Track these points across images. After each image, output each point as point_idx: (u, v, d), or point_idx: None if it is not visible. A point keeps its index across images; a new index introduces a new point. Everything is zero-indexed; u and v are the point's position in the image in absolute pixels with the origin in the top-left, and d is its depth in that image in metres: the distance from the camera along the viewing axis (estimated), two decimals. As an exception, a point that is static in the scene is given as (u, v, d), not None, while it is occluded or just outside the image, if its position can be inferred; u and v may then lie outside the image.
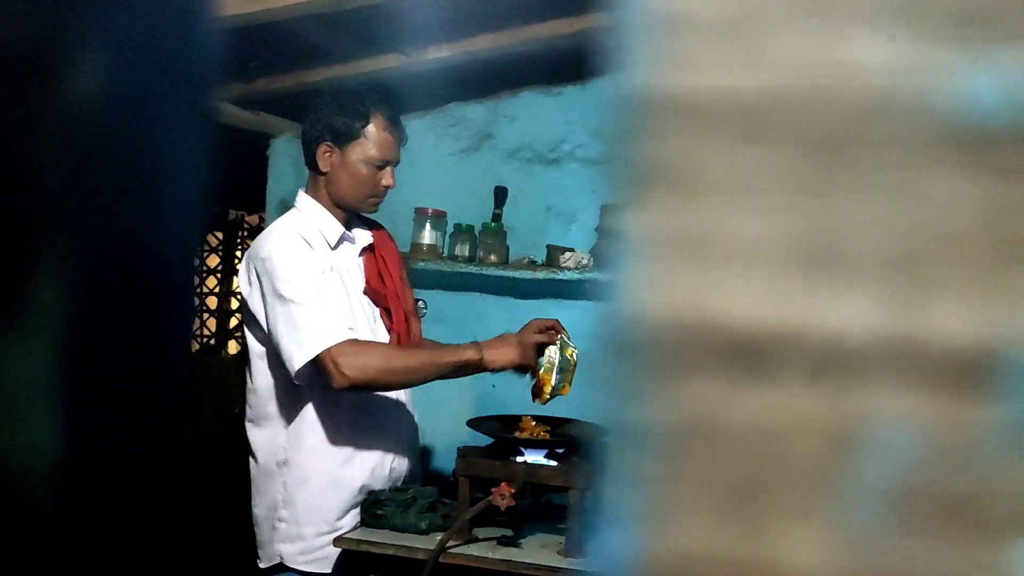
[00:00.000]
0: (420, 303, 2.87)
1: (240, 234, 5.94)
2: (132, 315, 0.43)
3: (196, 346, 5.83)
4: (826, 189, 0.30)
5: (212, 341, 5.94)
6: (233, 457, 3.84)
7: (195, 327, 5.82)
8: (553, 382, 2.50)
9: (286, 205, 3.85)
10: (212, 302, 6.01)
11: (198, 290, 5.92)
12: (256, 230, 5.68)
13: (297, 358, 2.31)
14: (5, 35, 0.36)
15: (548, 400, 2.54)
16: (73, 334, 0.39)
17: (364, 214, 2.65)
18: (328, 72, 3.43)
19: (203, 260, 5.97)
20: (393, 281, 2.64)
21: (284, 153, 3.90)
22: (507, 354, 2.41)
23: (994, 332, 0.30)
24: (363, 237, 2.63)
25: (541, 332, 2.53)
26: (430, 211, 3.61)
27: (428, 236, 3.61)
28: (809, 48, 0.30)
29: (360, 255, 2.62)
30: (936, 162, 0.30)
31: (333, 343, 2.28)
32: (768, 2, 0.29)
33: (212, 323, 5.99)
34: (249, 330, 2.54)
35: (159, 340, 0.46)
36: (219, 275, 5.98)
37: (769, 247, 0.30)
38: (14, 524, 0.39)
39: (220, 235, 5.91)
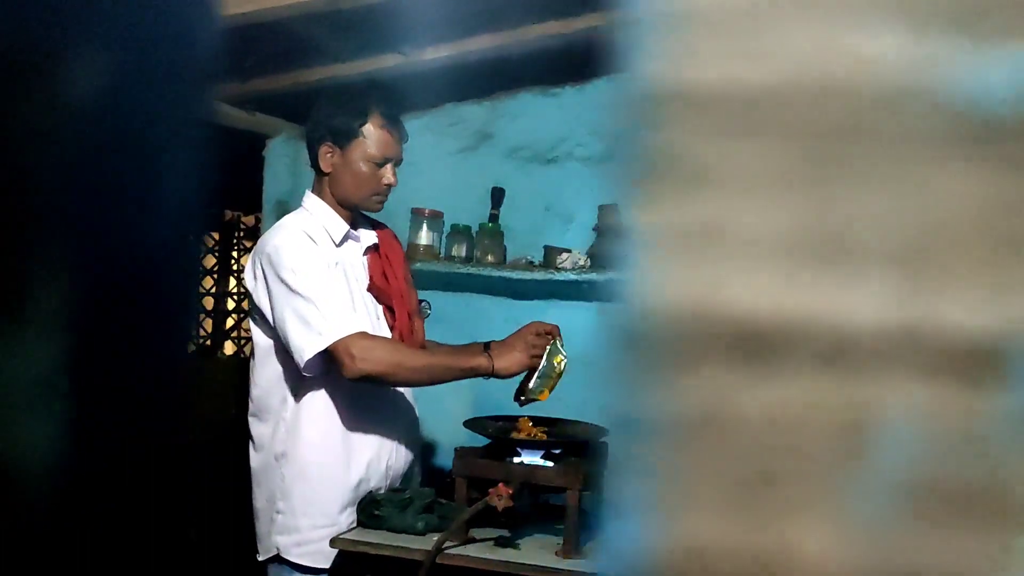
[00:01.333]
0: (424, 303, 2.90)
1: (236, 235, 5.93)
2: (132, 316, 0.43)
3: (192, 347, 5.80)
4: (833, 181, 0.30)
5: (208, 342, 5.93)
6: (232, 458, 3.84)
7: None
8: (531, 385, 2.51)
9: (282, 205, 3.85)
10: (208, 303, 6.00)
11: (194, 290, 5.90)
12: (252, 230, 5.67)
13: (308, 349, 2.34)
14: (5, 39, 0.36)
15: (525, 403, 2.56)
16: (74, 335, 0.39)
17: (368, 213, 2.68)
18: (325, 72, 3.42)
19: (199, 260, 5.95)
20: (397, 280, 2.68)
21: (280, 153, 3.89)
22: (517, 361, 2.45)
23: (1002, 323, 0.30)
24: (368, 236, 2.67)
25: (539, 335, 2.56)
26: (427, 211, 3.61)
27: (425, 236, 3.60)
28: (815, 41, 0.30)
29: (365, 254, 2.65)
30: (943, 155, 0.30)
31: (346, 334, 2.32)
32: (774, -6, 0.29)
33: (208, 324, 5.98)
34: (254, 324, 2.57)
35: (158, 340, 0.45)
36: (215, 275, 5.97)
37: (777, 239, 0.30)
38: (14, 521, 0.39)
39: (216, 235, 5.90)
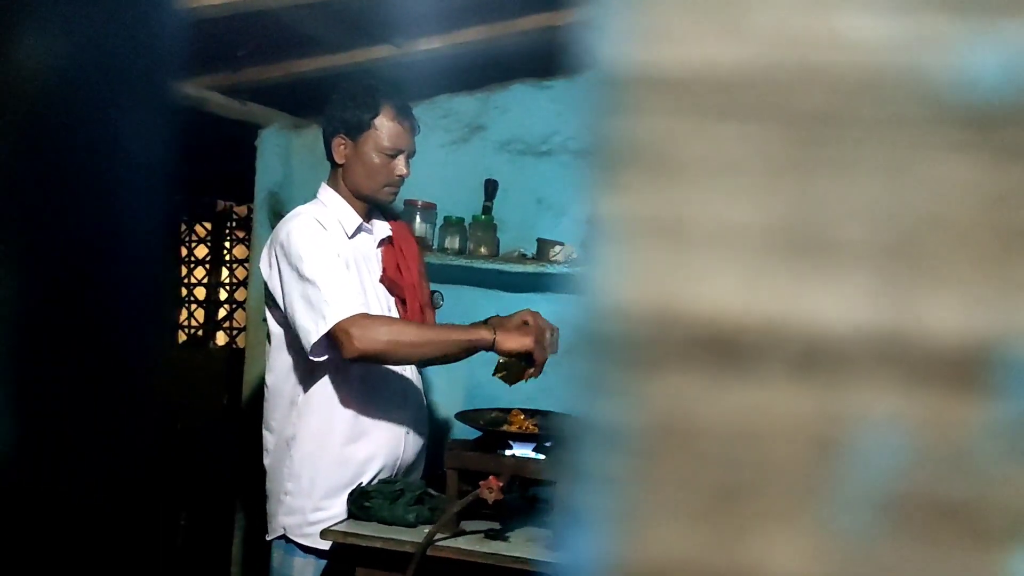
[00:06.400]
0: (436, 294, 2.97)
1: (229, 224, 5.90)
2: (96, 307, 0.41)
3: (184, 337, 5.79)
4: (812, 171, 0.28)
5: (200, 332, 5.91)
6: (225, 445, 3.85)
7: (183, 318, 5.79)
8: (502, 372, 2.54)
9: (275, 196, 3.83)
10: (200, 293, 5.97)
11: (186, 280, 5.88)
12: (245, 221, 5.64)
13: (313, 333, 2.38)
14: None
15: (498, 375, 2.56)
16: (31, 327, 0.37)
17: (383, 205, 2.74)
18: (318, 62, 3.40)
19: (191, 250, 5.92)
20: (411, 273, 2.75)
21: (272, 143, 3.86)
22: (519, 342, 2.45)
23: (992, 326, 0.28)
24: (382, 229, 2.75)
25: (534, 323, 2.61)
26: (420, 203, 3.59)
27: (418, 228, 3.58)
28: (794, 19, 0.28)
29: (379, 246, 2.71)
30: (932, 143, 0.28)
31: (345, 316, 2.34)
32: (750, -32, 0.27)
33: (200, 314, 5.95)
34: (269, 312, 2.65)
35: (125, 334, 0.44)
36: (207, 265, 5.94)
37: (750, 233, 0.28)
38: None
39: (208, 225, 5.87)
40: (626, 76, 0.28)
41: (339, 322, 2.36)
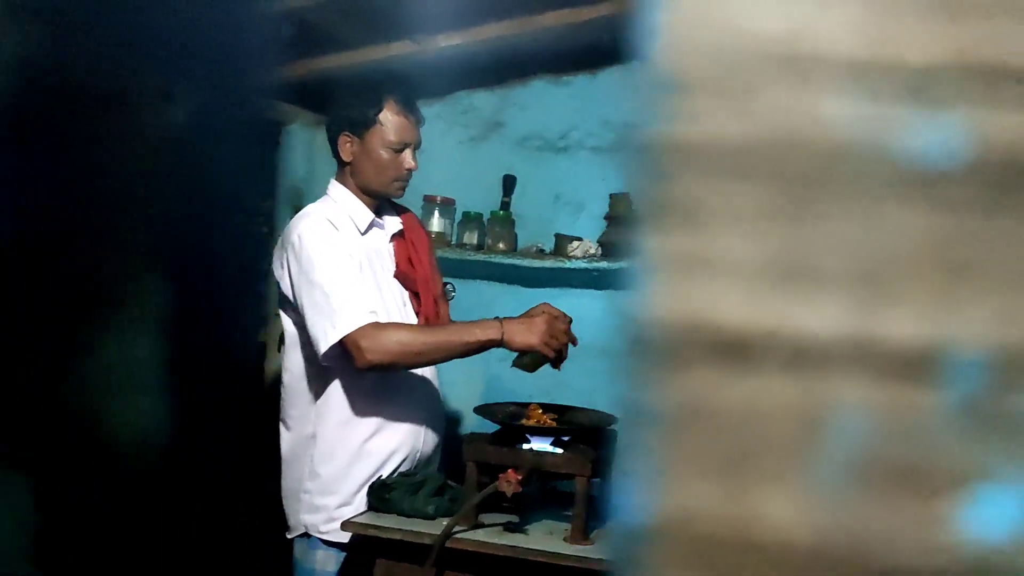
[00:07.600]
0: (448, 287, 2.92)
1: (250, 220, 5.97)
2: (216, 314, 0.48)
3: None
4: (799, 218, 0.36)
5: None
6: (242, 445, 3.90)
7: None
8: (526, 360, 2.53)
9: (297, 192, 3.88)
10: (222, 287, 6.04)
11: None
12: (268, 217, 5.67)
13: (323, 341, 2.38)
14: (95, 71, 0.41)
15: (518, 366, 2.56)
16: (167, 329, 0.44)
17: (393, 199, 2.70)
18: (339, 60, 3.42)
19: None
20: (423, 266, 2.68)
21: (296, 140, 3.91)
22: (527, 338, 2.43)
23: (938, 334, 0.36)
24: (393, 223, 2.68)
25: (556, 318, 2.57)
26: (438, 199, 3.62)
27: (436, 224, 3.61)
28: (787, 102, 0.36)
29: (391, 241, 2.67)
30: (890, 197, 0.36)
31: (356, 327, 2.34)
32: (752, 64, 0.35)
33: (222, 308, 6.01)
34: (283, 312, 2.59)
35: (234, 333, 0.50)
36: (229, 260, 6.00)
37: (753, 263, 0.36)
38: (115, 491, 0.44)
39: (230, 221, 5.93)
40: (660, 146, 0.36)
41: (349, 333, 2.34)
